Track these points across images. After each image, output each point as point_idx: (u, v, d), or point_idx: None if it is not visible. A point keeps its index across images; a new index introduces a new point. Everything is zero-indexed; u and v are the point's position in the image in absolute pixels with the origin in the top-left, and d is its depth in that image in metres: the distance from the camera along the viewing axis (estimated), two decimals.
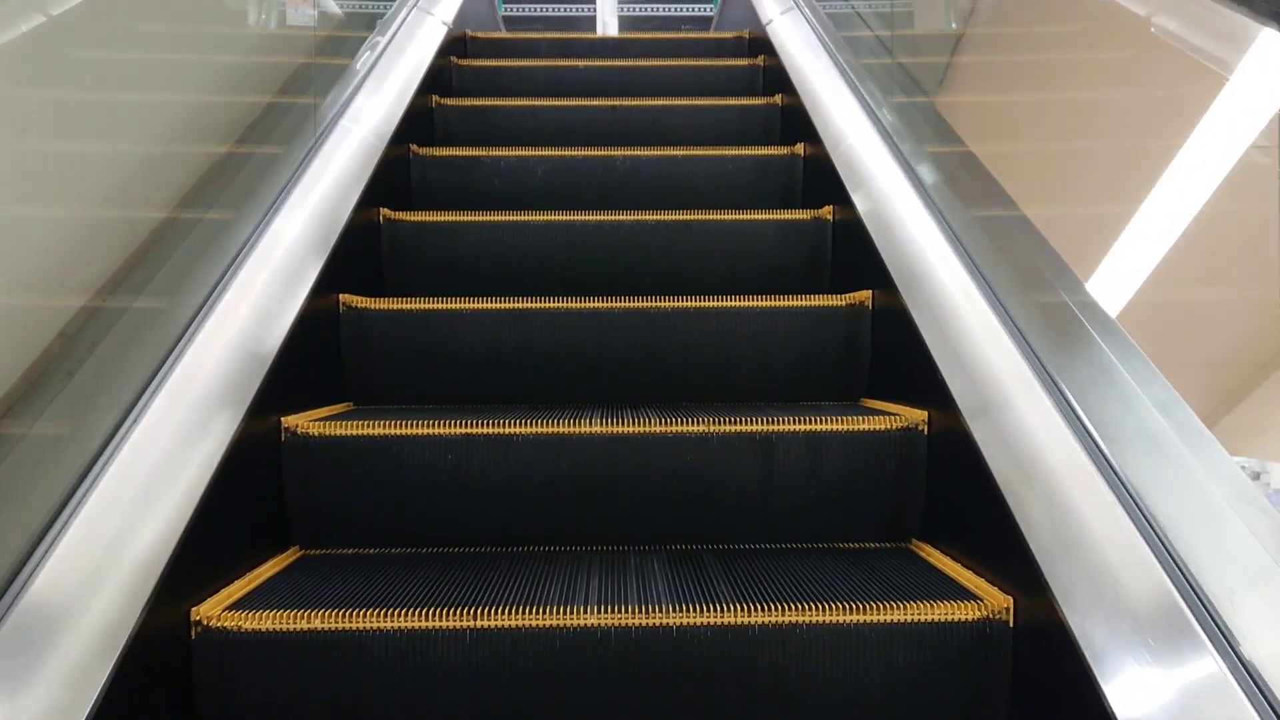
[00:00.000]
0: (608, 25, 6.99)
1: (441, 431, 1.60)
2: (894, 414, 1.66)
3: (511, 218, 2.28)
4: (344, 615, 1.26)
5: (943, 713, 1.27)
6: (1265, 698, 0.89)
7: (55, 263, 1.35)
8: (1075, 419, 1.27)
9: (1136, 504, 1.11)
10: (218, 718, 1.25)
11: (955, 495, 1.53)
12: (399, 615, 1.26)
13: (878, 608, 1.28)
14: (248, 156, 1.99)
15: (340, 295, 1.94)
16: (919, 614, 1.27)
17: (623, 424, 1.63)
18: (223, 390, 1.42)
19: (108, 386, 1.30)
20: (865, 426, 1.63)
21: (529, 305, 1.96)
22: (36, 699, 0.96)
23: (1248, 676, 0.91)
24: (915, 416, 1.63)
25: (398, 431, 1.60)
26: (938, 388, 1.55)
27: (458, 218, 2.30)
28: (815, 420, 1.63)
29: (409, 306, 1.96)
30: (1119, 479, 1.15)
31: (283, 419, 1.59)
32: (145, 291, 1.51)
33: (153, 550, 1.17)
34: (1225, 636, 0.95)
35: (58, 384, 1.23)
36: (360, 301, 1.95)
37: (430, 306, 1.96)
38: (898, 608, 1.28)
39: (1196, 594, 0.99)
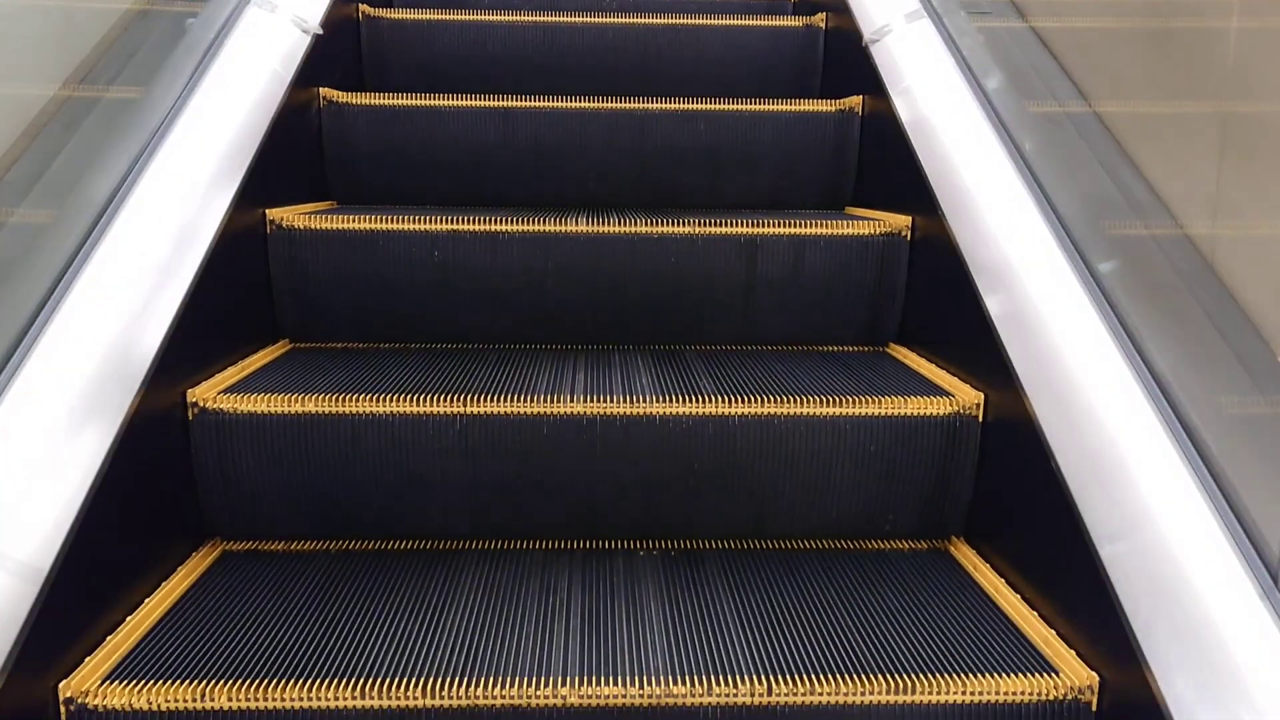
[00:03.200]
0: None
1: (428, 227, 1.60)
2: (878, 220, 1.67)
3: (493, 17, 2.21)
4: (337, 400, 1.29)
5: (913, 495, 1.34)
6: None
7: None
8: (1054, 216, 1.29)
9: (1109, 300, 1.15)
10: (217, 496, 1.31)
11: (934, 298, 1.56)
12: (391, 400, 1.29)
13: (854, 401, 1.32)
14: None
15: (321, 89, 1.89)
16: (893, 408, 1.32)
17: (609, 224, 1.63)
18: (206, 176, 1.40)
19: (91, 171, 1.28)
20: (849, 231, 1.64)
21: (513, 104, 1.92)
22: (38, 469, 0.99)
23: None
24: (899, 223, 1.64)
25: (384, 226, 1.60)
26: (924, 194, 1.55)
27: (437, 16, 2.22)
28: (799, 224, 1.64)
29: (390, 102, 1.92)
30: (1093, 276, 1.18)
31: (267, 211, 1.59)
32: (118, 80, 1.47)
33: (147, 331, 1.19)
34: (1169, 407, 1.00)
35: (40, 167, 1.21)
36: (341, 96, 1.91)
37: (412, 103, 1.92)
38: (873, 402, 1.33)
39: (1156, 379, 1.04)
